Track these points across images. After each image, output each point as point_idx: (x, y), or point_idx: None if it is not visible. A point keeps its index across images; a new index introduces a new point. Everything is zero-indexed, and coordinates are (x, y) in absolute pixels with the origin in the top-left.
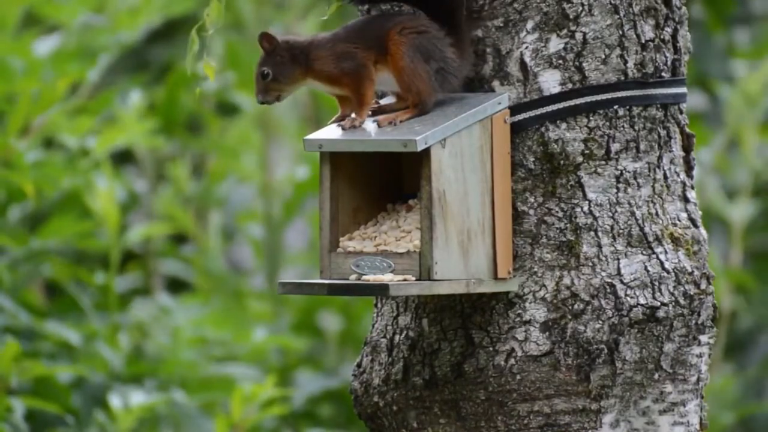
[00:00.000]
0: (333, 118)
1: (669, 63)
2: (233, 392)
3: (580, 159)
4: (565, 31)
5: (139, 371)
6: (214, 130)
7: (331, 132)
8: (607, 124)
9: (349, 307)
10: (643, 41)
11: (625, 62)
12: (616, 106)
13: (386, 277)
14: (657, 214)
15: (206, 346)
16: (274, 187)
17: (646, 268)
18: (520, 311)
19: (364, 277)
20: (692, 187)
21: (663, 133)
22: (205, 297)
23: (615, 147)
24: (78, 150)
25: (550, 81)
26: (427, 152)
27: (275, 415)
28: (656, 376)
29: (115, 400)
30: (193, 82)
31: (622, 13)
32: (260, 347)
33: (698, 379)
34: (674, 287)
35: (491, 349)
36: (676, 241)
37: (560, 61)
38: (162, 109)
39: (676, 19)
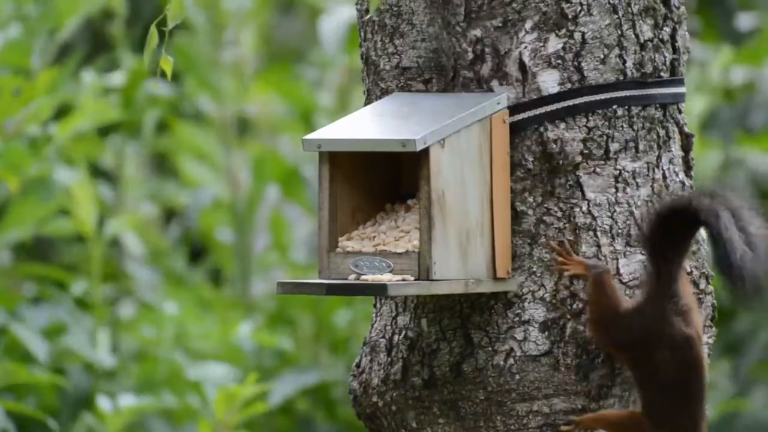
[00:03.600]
0: None
1: (668, 63)
2: (203, 393)
3: (579, 159)
4: (563, 30)
5: (119, 370)
6: (174, 133)
7: (329, 131)
8: (606, 123)
9: (319, 309)
10: (641, 41)
11: (624, 62)
12: (614, 106)
13: (385, 277)
14: None
15: (183, 346)
16: (239, 192)
17: (645, 267)
18: (519, 311)
19: (362, 277)
20: (691, 187)
21: (662, 132)
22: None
23: (614, 147)
24: (42, 137)
25: (549, 81)
26: (426, 152)
27: (254, 414)
28: None
29: (103, 402)
30: (149, 78)
31: (620, 13)
32: (236, 348)
33: None
34: None
35: (490, 349)
36: None
37: (559, 61)
38: (122, 104)
39: (675, 18)
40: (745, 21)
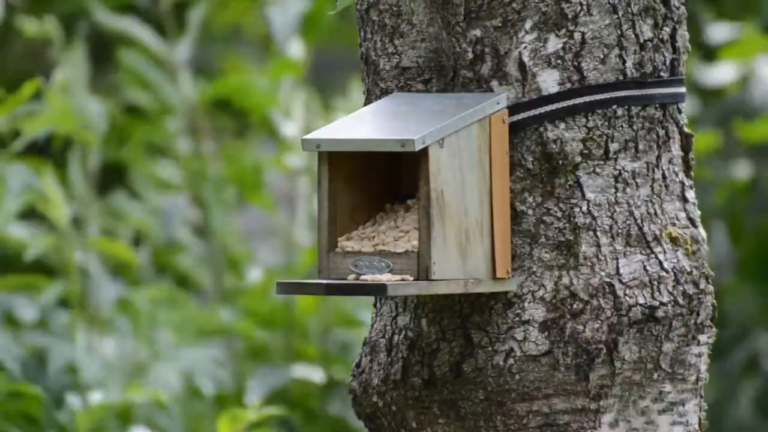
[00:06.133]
0: None
1: (667, 63)
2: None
3: (578, 159)
4: (563, 30)
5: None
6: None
7: (328, 131)
8: (606, 123)
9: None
10: (641, 41)
11: (624, 62)
12: (614, 106)
13: (384, 277)
14: (656, 213)
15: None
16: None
17: (644, 267)
18: (518, 311)
19: (362, 277)
20: (691, 187)
21: (662, 132)
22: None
23: (614, 147)
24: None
25: (549, 81)
26: (425, 152)
27: None
28: (655, 375)
29: (74, 400)
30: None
31: (620, 13)
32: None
33: (697, 379)
34: (673, 287)
35: (490, 349)
36: (674, 240)
37: (559, 61)
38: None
39: (675, 18)
40: (720, 32)
